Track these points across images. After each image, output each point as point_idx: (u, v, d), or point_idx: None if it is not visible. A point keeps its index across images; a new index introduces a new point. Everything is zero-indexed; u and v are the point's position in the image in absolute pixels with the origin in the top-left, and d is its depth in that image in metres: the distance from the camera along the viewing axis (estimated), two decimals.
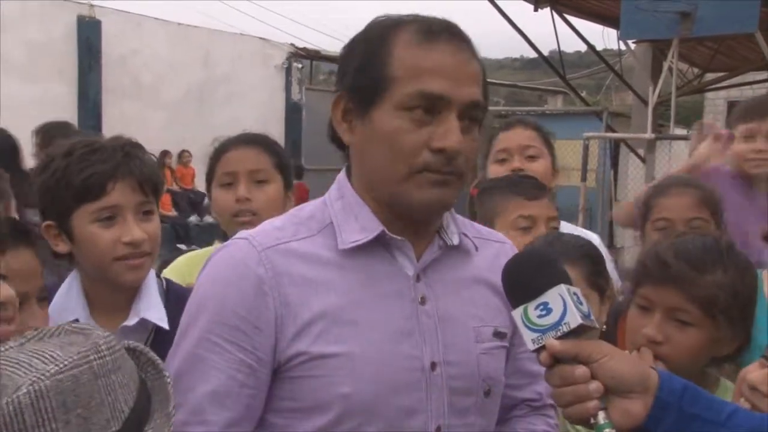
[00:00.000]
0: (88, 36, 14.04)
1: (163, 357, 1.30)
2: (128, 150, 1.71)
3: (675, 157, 12.18)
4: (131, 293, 1.73)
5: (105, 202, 1.64)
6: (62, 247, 1.70)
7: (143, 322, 1.69)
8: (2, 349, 1.06)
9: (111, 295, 1.73)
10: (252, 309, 1.28)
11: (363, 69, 1.31)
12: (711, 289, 1.52)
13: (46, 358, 1.02)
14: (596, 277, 1.92)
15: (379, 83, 1.28)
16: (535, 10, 10.52)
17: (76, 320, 1.67)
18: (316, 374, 1.28)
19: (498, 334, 1.40)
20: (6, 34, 12.45)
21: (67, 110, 13.79)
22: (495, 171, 2.62)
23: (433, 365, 1.33)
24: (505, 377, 1.45)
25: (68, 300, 1.72)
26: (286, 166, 2.30)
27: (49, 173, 1.68)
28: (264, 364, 1.29)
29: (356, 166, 1.37)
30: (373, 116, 1.29)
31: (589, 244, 2.04)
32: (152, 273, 1.78)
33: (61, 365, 1.01)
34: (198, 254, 2.40)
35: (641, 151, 10.40)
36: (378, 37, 1.32)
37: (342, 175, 1.40)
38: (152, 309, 1.71)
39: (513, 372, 1.48)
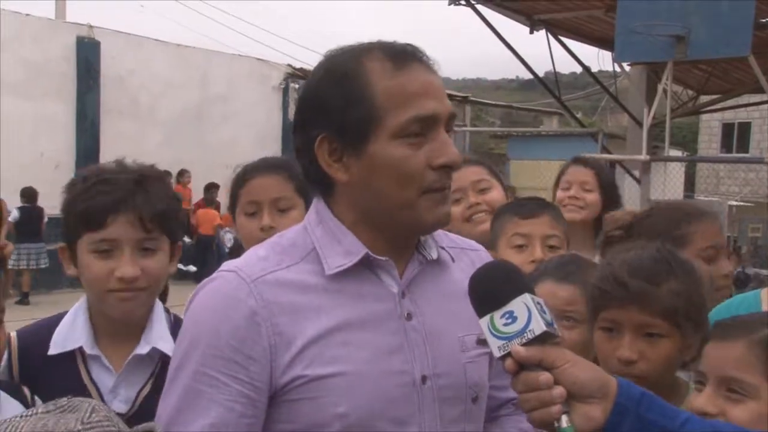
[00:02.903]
0: (87, 56, 14.10)
1: None
2: (140, 181, 1.67)
3: (670, 178, 12.23)
4: (141, 323, 1.72)
5: (104, 234, 1.63)
6: (72, 270, 1.71)
7: (153, 351, 1.69)
8: None
9: (119, 324, 1.71)
10: (245, 339, 1.29)
11: (345, 108, 1.31)
12: (670, 299, 1.57)
13: None
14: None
15: (368, 119, 1.30)
16: (531, 32, 10.63)
17: (80, 348, 1.68)
18: (312, 396, 1.29)
19: (481, 342, 1.41)
20: (5, 54, 12.51)
21: (65, 129, 13.84)
22: (452, 211, 2.61)
23: (424, 378, 1.35)
24: (488, 380, 1.48)
25: (73, 329, 1.70)
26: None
27: (67, 196, 1.69)
28: (261, 392, 1.30)
29: (351, 199, 1.37)
30: (370, 151, 1.31)
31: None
32: (160, 305, 1.78)
33: None
34: None
35: (636, 173, 10.45)
36: (348, 73, 1.32)
37: (320, 204, 1.41)
38: (163, 339, 1.70)
39: (496, 374, 1.49)
